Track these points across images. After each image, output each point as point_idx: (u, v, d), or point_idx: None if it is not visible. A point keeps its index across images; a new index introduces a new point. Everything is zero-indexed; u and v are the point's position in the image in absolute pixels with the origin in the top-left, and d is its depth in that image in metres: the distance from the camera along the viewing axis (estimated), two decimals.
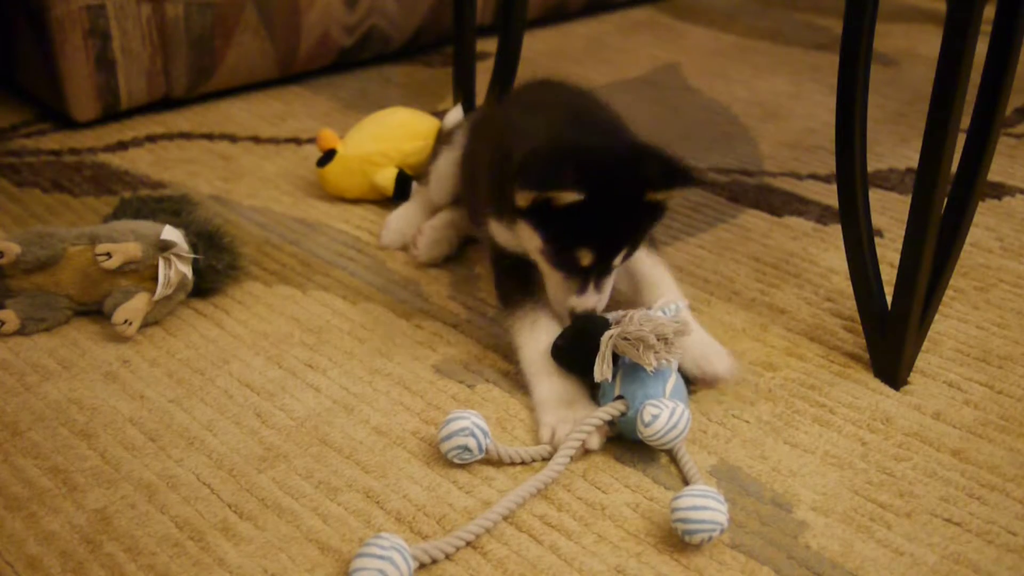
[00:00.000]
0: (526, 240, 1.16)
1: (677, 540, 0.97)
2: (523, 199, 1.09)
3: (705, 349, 1.17)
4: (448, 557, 0.95)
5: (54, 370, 1.22)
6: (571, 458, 1.05)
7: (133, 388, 1.19)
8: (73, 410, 1.15)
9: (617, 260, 1.14)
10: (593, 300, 1.14)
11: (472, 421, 1.04)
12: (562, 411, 1.11)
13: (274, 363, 1.24)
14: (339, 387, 1.19)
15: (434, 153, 1.56)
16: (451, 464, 1.07)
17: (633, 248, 1.16)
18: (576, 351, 1.12)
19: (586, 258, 1.12)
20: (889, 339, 1.19)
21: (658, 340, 1.06)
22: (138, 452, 1.08)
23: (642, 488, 1.04)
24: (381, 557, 0.89)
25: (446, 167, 1.49)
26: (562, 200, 1.07)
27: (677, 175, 1.11)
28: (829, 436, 1.12)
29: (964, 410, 1.16)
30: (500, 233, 1.24)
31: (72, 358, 1.24)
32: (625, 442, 1.10)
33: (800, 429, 1.13)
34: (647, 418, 1.03)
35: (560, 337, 1.13)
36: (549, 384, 1.14)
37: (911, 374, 1.21)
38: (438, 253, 1.47)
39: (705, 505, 0.94)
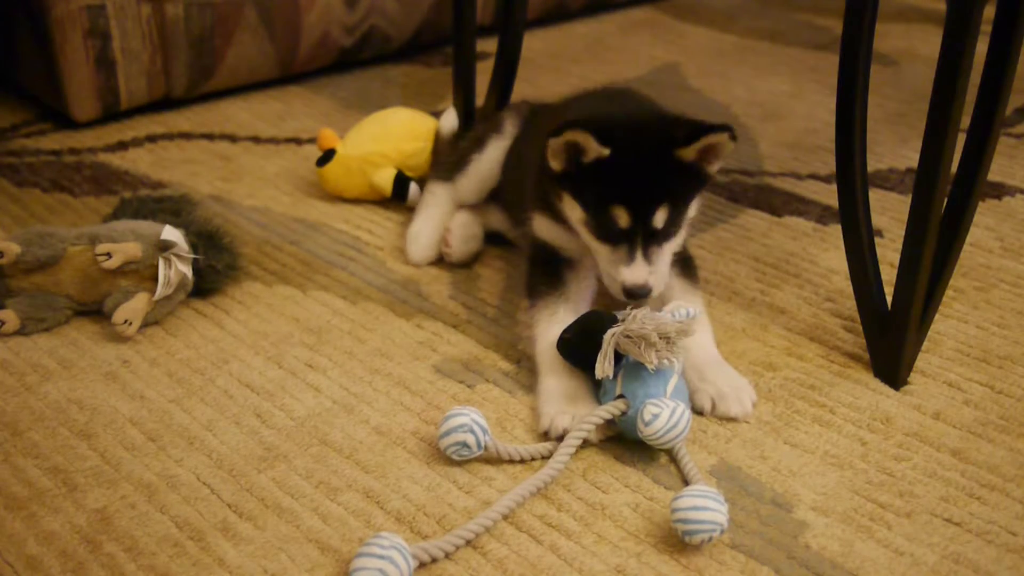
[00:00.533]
0: (570, 214, 1.18)
1: (677, 540, 0.97)
2: (554, 157, 1.14)
3: (723, 388, 1.14)
4: (448, 556, 0.95)
5: (54, 370, 1.22)
6: (571, 456, 1.05)
7: (133, 388, 1.19)
8: (73, 410, 1.15)
9: (657, 220, 1.13)
10: (643, 272, 1.14)
11: (471, 418, 1.04)
12: (563, 404, 1.11)
13: (274, 363, 1.24)
14: (339, 387, 1.19)
15: (473, 149, 1.51)
16: (451, 464, 1.07)
17: (675, 215, 1.15)
18: (581, 346, 1.11)
19: (623, 217, 1.13)
20: (889, 339, 1.19)
21: (660, 339, 1.06)
22: (138, 452, 1.08)
23: (642, 488, 1.04)
24: (381, 556, 0.89)
25: (489, 166, 1.48)
26: (589, 156, 1.12)
27: (702, 129, 1.12)
28: (829, 436, 1.12)
29: (964, 410, 1.16)
30: (544, 228, 1.26)
31: (72, 358, 1.24)
32: (625, 442, 1.10)
33: (800, 429, 1.13)
34: (647, 417, 1.03)
35: (567, 331, 1.13)
36: (557, 378, 1.14)
37: (911, 374, 1.21)
38: (473, 248, 1.47)
39: (705, 506, 0.94)
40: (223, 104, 2.04)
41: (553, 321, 1.19)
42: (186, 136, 1.89)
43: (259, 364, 1.23)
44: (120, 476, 1.05)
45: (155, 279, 1.29)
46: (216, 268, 1.35)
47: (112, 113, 1.92)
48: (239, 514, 1.00)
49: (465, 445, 1.04)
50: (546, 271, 1.25)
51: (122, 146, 1.84)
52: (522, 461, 1.07)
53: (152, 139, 1.87)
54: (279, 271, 1.44)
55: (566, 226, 1.23)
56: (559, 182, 1.17)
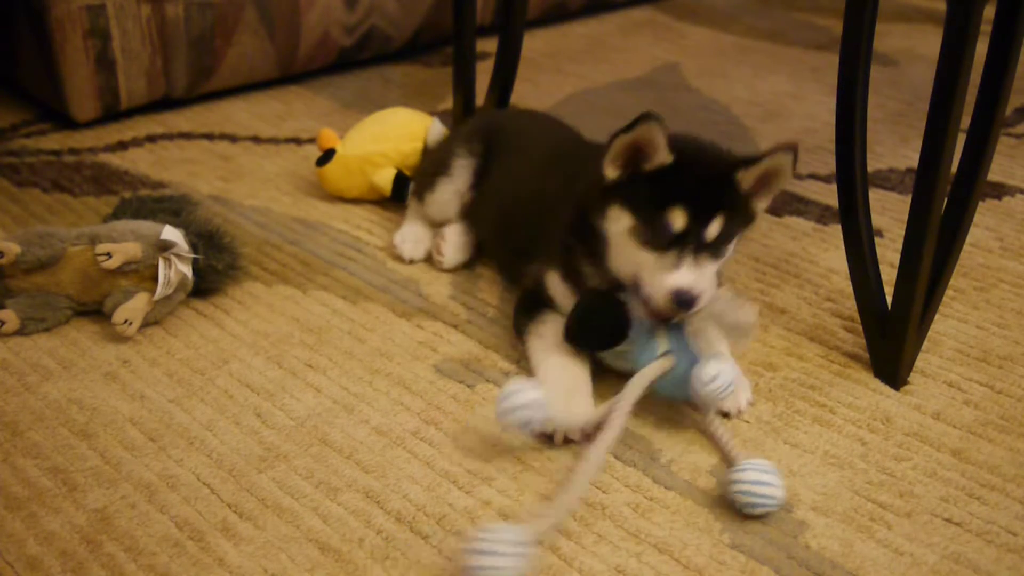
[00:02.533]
0: (612, 227, 1.13)
1: (676, 540, 0.97)
2: (614, 160, 1.12)
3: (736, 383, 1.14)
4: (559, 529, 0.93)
5: (54, 370, 1.22)
6: (627, 415, 1.07)
7: (133, 388, 1.19)
8: (73, 410, 1.15)
9: (712, 229, 1.10)
10: (691, 277, 1.09)
11: (537, 395, 1.04)
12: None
13: (274, 363, 1.24)
14: (339, 387, 1.19)
15: (431, 182, 1.49)
16: (451, 464, 1.07)
17: (724, 235, 1.11)
18: (591, 325, 1.13)
19: (679, 219, 1.09)
20: (889, 339, 1.19)
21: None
22: (138, 452, 1.08)
23: (642, 488, 1.04)
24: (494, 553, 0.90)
25: (455, 191, 1.48)
26: (651, 161, 1.10)
27: (765, 155, 1.11)
28: (829, 436, 1.12)
29: (964, 410, 1.16)
30: (556, 287, 1.22)
31: (72, 358, 1.24)
32: (625, 442, 1.10)
33: (800, 429, 1.13)
34: (707, 376, 1.07)
35: (569, 318, 1.14)
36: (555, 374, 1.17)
37: (911, 374, 1.21)
38: (464, 258, 1.46)
39: (768, 480, 0.99)
40: (223, 104, 2.04)
41: (549, 349, 1.19)
42: (186, 136, 1.89)
43: (259, 364, 1.23)
44: (120, 476, 1.05)
45: (155, 279, 1.28)
46: (216, 268, 1.35)
47: (112, 113, 1.92)
48: (239, 514, 1.00)
49: (530, 423, 1.05)
50: (536, 311, 1.24)
51: (122, 146, 1.84)
52: (582, 433, 1.08)
53: (152, 139, 1.87)
54: (279, 271, 1.44)
55: (576, 285, 1.20)
56: (607, 194, 1.13)
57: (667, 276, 1.09)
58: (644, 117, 1.08)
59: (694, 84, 2.20)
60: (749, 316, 1.10)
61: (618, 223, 1.13)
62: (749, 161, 1.11)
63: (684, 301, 1.08)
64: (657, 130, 1.08)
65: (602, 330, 1.13)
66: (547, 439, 1.10)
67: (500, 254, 1.44)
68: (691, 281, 1.08)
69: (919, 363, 1.23)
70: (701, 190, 1.10)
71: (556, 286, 1.22)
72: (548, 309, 1.23)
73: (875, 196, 1.61)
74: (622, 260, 1.14)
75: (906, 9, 2.72)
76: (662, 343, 1.11)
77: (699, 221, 1.10)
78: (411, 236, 1.49)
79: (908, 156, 1.82)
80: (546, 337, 1.21)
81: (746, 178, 1.12)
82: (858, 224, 1.22)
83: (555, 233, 1.23)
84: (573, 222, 1.20)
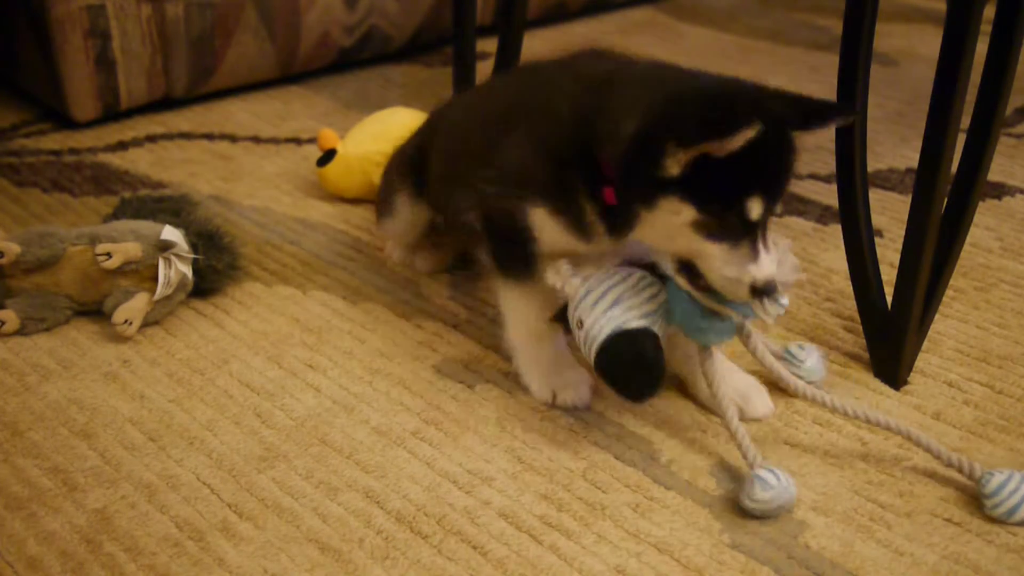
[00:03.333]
0: (666, 220, 0.98)
1: (676, 540, 0.97)
2: (678, 161, 0.94)
3: (748, 390, 1.14)
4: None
5: (54, 370, 1.22)
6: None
7: (133, 388, 1.19)
8: (73, 410, 1.15)
9: (779, 207, 1.01)
10: (771, 265, 0.98)
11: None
12: (553, 377, 1.15)
13: (274, 363, 1.24)
14: (339, 387, 1.19)
15: (395, 193, 1.39)
16: (451, 464, 1.07)
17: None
18: (627, 373, 1.03)
19: (756, 208, 0.96)
20: (889, 339, 1.19)
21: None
22: (138, 452, 1.08)
23: (642, 488, 1.04)
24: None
25: (415, 217, 1.39)
26: (733, 145, 0.92)
27: (831, 110, 1.01)
28: (829, 436, 1.12)
29: (964, 410, 1.16)
30: (546, 224, 1.07)
31: (72, 358, 1.24)
32: (625, 442, 1.10)
33: (800, 429, 1.13)
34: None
35: (602, 365, 1.03)
36: (538, 348, 1.16)
37: (911, 374, 1.21)
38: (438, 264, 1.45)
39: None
40: (223, 104, 2.04)
41: (531, 304, 1.14)
42: (186, 136, 1.89)
43: (259, 364, 1.23)
44: (120, 476, 1.05)
45: (155, 279, 1.29)
46: (216, 268, 1.35)
47: (112, 113, 1.92)
48: (239, 514, 1.00)
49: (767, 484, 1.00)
50: (518, 255, 1.13)
51: (122, 146, 1.84)
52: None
53: (152, 139, 1.87)
54: (279, 271, 1.44)
55: (575, 223, 1.06)
56: (656, 186, 0.96)
57: (743, 269, 0.97)
58: (744, 117, 0.92)
59: None
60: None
61: (676, 216, 0.97)
62: (811, 119, 0.99)
63: (769, 292, 0.98)
64: (735, 138, 0.92)
65: (641, 376, 1.02)
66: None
67: (443, 194, 1.31)
68: (771, 270, 0.98)
69: (919, 363, 1.23)
70: (774, 167, 0.98)
71: (544, 223, 1.08)
72: (527, 254, 1.11)
73: (875, 196, 1.61)
74: (671, 244, 1.01)
75: (906, 9, 2.72)
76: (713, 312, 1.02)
77: (773, 201, 0.98)
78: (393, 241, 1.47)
79: (908, 156, 1.82)
80: (530, 299, 1.13)
81: (803, 139, 1.00)
82: (858, 224, 1.22)
83: (523, 154, 1.09)
84: (572, 160, 1.04)
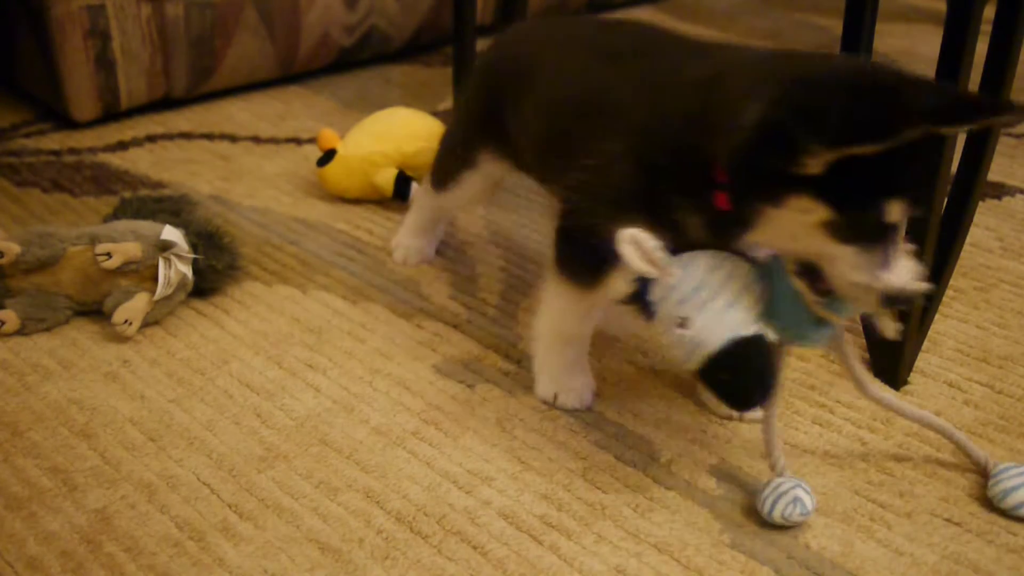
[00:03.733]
0: (794, 219, 0.88)
1: (676, 540, 0.97)
2: (821, 161, 0.83)
3: None
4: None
5: (54, 370, 1.22)
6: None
7: (133, 388, 1.19)
8: (73, 410, 1.15)
9: (917, 212, 0.91)
10: (905, 273, 0.90)
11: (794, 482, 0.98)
12: (562, 379, 1.15)
13: (274, 363, 1.24)
14: (339, 387, 1.19)
15: (463, 166, 1.32)
16: (451, 464, 1.07)
17: None
18: (735, 374, 0.94)
19: (896, 211, 0.87)
20: (889, 339, 1.19)
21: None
22: (138, 452, 1.08)
23: (642, 488, 1.04)
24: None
25: (481, 184, 1.32)
26: (869, 149, 0.83)
27: (983, 107, 0.88)
28: (829, 436, 1.12)
29: (964, 410, 1.16)
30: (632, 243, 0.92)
31: (72, 358, 1.24)
32: (625, 442, 1.10)
33: (800, 429, 1.13)
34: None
35: (723, 362, 0.93)
36: (561, 352, 1.14)
37: (911, 374, 1.21)
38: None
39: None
40: (223, 104, 2.04)
41: (577, 308, 1.08)
42: (186, 136, 1.89)
43: (259, 364, 1.23)
44: (120, 476, 1.05)
45: (155, 279, 1.29)
46: (216, 268, 1.35)
47: (112, 113, 1.92)
48: (239, 514, 1.00)
49: (798, 500, 0.97)
50: (588, 262, 1.04)
51: (122, 146, 1.84)
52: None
53: (152, 139, 1.87)
54: (279, 271, 1.44)
55: (680, 240, 0.96)
56: (786, 181, 0.86)
57: (875, 275, 0.89)
58: (903, 115, 0.82)
59: None
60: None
61: (806, 215, 0.88)
62: (955, 116, 0.85)
63: (902, 301, 0.91)
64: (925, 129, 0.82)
65: (756, 388, 0.94)
66: None
67: (544, 164, 1.18)
68: (905, 279, 0.89)
69: (919, 363, 1.23)
70: (916, 165, 0.88)
71: (631, 242, 0.93)
72: (599, 264, 1.01)
73: None
74: (794, 244, 0.92)
75: (906, 9, 2.72)
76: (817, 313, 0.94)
77: (915, 203, 0.89)
78: (409, 240, 1.47)
79: None
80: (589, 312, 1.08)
81: (946, 131, 0.92)
82: None
83: (617, 158, 0.98)
84: (674, 170, 0.94)
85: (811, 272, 0.92)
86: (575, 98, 1.09)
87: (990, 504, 1.02)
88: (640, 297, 0.96)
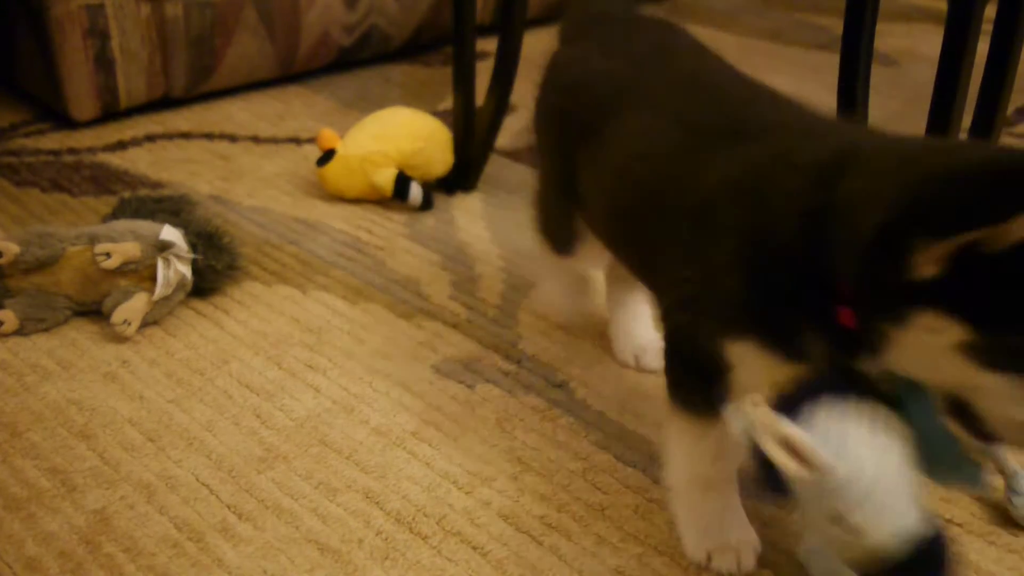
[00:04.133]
0: (923, 341, 0.72)
1: (677, 541, 0.97)
2: (931, 258, 0.68)
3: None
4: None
5: (53, 370, 1.22)
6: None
7: (132, 388, 1.19)
8: (72, 410, 1.15)
9: None
10: None
11: None
12: (715, 535, 0.95)
13: (274, 363, 1.23)
14: (339, 387, 1.19)
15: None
16: (451, 464, 1.07)
17: None
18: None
19: None
20: None
21: None
22: (137, 453, 1.08)
23: (643, 489, 1.04)
24: None
25: None
26: (1014, 233, 0.65)
27: None
28: None
29: None
30: (748, 360, 0.83)
31: (71, 358, 1.24)
32: (625, 442, 1.10)
33: None
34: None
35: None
36: (702, 500, 0.95)
37: None
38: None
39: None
40: (223, 104, 2.03)
41: (703, 444, 0.91)
42: (186, 136, 1.89)
43: (259, 364, 1.23)
44: (119, 476, 1.05)
45: (154, 279, 1.28)
46: (216, 268, 1.35)
47: (111, 113, 1.91)
48: (238, 515, 1.00)
49: None
50: (700, 385, 0.89)
51: (121, 146, 1.84)
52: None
53: (151, 139, 1.87)
54: (279, 271, 1.44)
55: (800, 358, 0.81)
56: (908, 295, 0.71)
57: None
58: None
59: None
60: None
61: (936, 336, 0.71)
62: None
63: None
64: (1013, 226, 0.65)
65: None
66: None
67: (622, 247, 1.04)
68: None
69: None
70: None
71: (748, 357, 0.83)
72: (713, 386, 0.87)
73: None
74: (934, 374, 0.75)
75: (907, 9, 2.72)
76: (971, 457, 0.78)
77: None
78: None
79: None
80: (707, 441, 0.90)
81: None
82: None
83: (726, 262, 0.83)
84: (797, 280, 0.79)
85: (963, 411, 0.75)
86: (655, 172, 0.93)
87: (991, 504, 1.02)
88: (766, 474, 0.77)
